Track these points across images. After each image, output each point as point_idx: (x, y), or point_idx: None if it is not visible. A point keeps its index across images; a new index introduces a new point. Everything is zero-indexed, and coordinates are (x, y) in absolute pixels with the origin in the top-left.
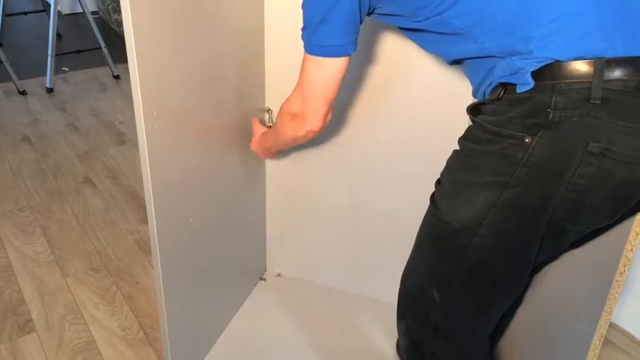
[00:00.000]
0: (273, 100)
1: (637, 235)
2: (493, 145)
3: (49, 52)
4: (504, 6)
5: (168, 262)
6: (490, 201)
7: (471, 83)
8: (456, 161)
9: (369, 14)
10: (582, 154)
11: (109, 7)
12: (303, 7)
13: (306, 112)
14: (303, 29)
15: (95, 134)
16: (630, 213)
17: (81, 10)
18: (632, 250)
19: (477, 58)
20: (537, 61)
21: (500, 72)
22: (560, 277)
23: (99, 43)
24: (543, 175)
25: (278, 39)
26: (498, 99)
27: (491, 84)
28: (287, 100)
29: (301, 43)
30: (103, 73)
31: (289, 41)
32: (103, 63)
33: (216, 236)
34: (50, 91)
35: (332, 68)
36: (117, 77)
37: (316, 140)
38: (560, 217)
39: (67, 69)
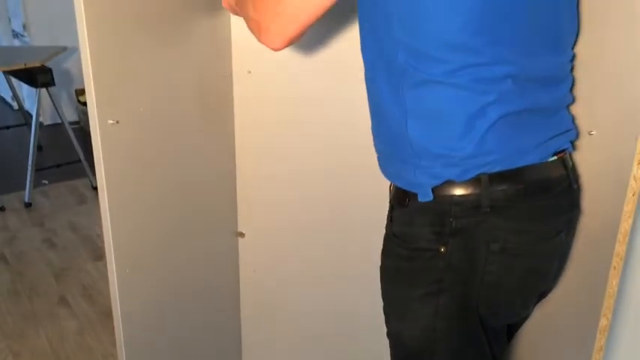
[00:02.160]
0: (246, 225)
1: (605, 329)
2: (414, 260)
3: (29, 168)
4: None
5: None
6: (431, 310)
7: (381, 153)
8: (385, 280)
9: None
10: (486, 253)
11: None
12: None
13: (273, 26)
14: None
15: (72, 250)
16: (540, 298)
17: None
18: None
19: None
20: (435, 178)
21: (406, 175)
22: None
23: (79, 155)
24: (463, 276)
25: (249, 164)
26: (405, 206)
27: (397, 184)
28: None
29: (274, 169)
30: (82, 184)
31: (261, 166)
32: (83, 174)
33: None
34: (29, 205)
35: None
36: (96, 189)
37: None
38: (484, 313)
39: (46, 182)
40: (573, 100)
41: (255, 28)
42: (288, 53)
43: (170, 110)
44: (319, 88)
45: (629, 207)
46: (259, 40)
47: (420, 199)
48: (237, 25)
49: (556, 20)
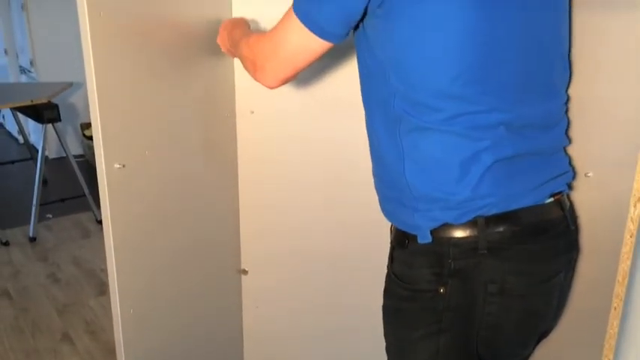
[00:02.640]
0: (249, 261)
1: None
2: (415, 301)
3: (34, 202)
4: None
5: None
6: (432, 350)
7: (380, 189)
8: (387, 321)
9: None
10: (484, 295)
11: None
12: None
13: (267, 65)
14: None
15: (76, 285)
16: (541, 338)
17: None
18: None
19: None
20: (433, 221)
21: (405, 217)
22: None
23: (83, 189)
24: (462, 317)
25: (253, 203)
26: (405, 247)
27: (397, 225)
28: (256, 39)
29: (277, 207)
30: (86, 217)
31: (264, 204)
32: (87, 208)
33: None
34: (33, 240)
35: (319, 44)
36: (100, 222)
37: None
38: (484, 353)
39: (50, 216)
40: (569, 142)
41: (251, 67)
42: (290, 93)
43: (175, 152)
44: (322, 128)
45: (627, 248)
46: (254, 78)
47: (420, 241)
48: (240, 66)
49: (547, 67)
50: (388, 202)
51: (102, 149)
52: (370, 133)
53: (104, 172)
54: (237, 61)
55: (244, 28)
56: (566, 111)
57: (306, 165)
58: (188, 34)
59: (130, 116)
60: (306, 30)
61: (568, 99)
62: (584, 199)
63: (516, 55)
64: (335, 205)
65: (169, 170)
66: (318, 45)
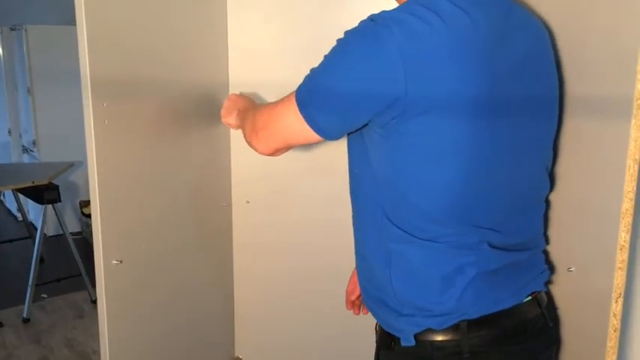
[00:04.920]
0: (243, 349)
1: None
2: None
3: (30, 283)
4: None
5: None
6: None
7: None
8: None
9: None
10: None
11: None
12: (327, 67)
13: (261, 133)
14: (310, 78)
15: None
16: None
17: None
18: None
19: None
20: (417, 326)
21: (390, 320)
22: None
23: (80, 268)
24: None
25: (247, 291)
26: (392, 349)
27: (382, 326)
28: (261, 108)
29: (271, 294)
30: (81, 297)
31: (258, 291)
32: (82, 287)
33: None
34: (27, 321)
35: (311, 134)
36: (95, 302)
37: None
38: None
39: (45, 295)
40: (547, 244)
41: (249, 131)
42: (284, 185)
43: (171, 244)
44: (317, 219)
45: (611, 343)
46: (250, 142)
47: (402, 344)
48: (236, 157)
49: (532, 184)
50: (372, 300)
51: (101, 245)
52: (357, 230)
53: (102, 268)
54: (233, 151)
55: (253, 102)
56: (544, 215)
57: (301, 254)
58: (186, 125)
59: (129, 211)
60: (302, 118)
61: (548, 206)
62: (566, 293)
63: (506, 181)
64: (333, 294)
65: (165, 262)
66: (310, 134)
